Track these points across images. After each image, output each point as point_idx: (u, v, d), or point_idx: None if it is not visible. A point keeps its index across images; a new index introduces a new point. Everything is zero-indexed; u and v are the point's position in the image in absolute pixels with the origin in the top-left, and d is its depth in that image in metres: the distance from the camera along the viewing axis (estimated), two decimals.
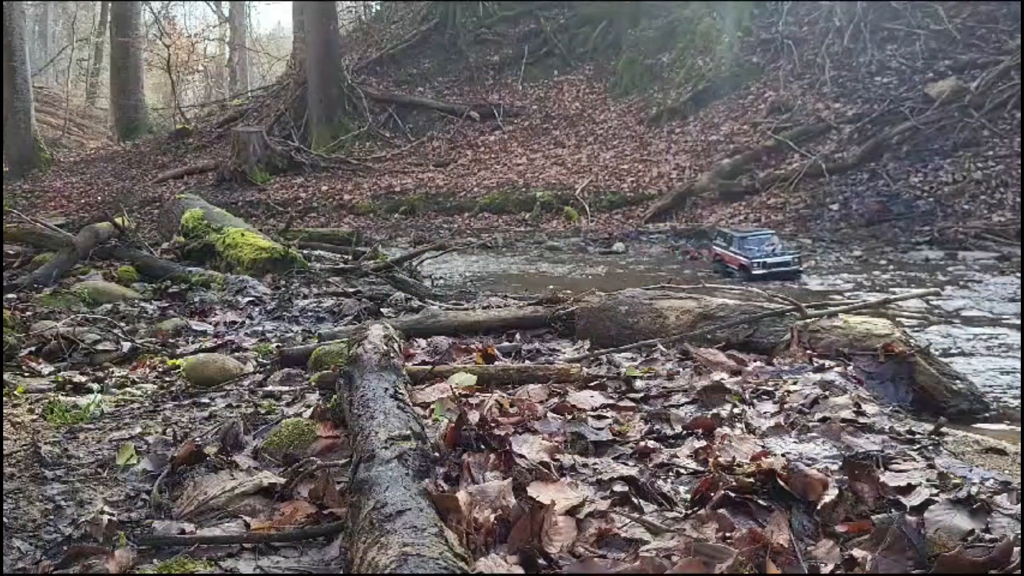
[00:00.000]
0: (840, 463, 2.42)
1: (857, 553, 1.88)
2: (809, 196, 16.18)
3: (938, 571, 1.76)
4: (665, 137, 19.89)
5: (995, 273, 10.01)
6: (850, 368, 3.62)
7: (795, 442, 2.70)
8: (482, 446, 2.51)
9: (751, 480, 2.22)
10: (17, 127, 23.65)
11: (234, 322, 5.38)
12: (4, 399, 3.33)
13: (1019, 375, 4.89)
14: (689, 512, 2.15)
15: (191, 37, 32.93)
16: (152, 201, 19.20)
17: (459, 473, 2.36)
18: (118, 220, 7.82)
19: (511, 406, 3.02)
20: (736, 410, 3.02)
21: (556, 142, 21.07)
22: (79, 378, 3.78)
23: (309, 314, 5.61)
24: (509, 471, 2.34)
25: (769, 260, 9.11)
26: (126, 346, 4.41)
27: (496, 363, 3.81)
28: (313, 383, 3.54)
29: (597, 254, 13.11)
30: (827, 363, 3.63)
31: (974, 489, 2.12)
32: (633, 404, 3.20)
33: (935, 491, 2.19)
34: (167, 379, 3.86)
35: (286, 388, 3.62)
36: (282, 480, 2.45)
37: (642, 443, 2.69)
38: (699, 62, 21.19)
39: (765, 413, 3.02)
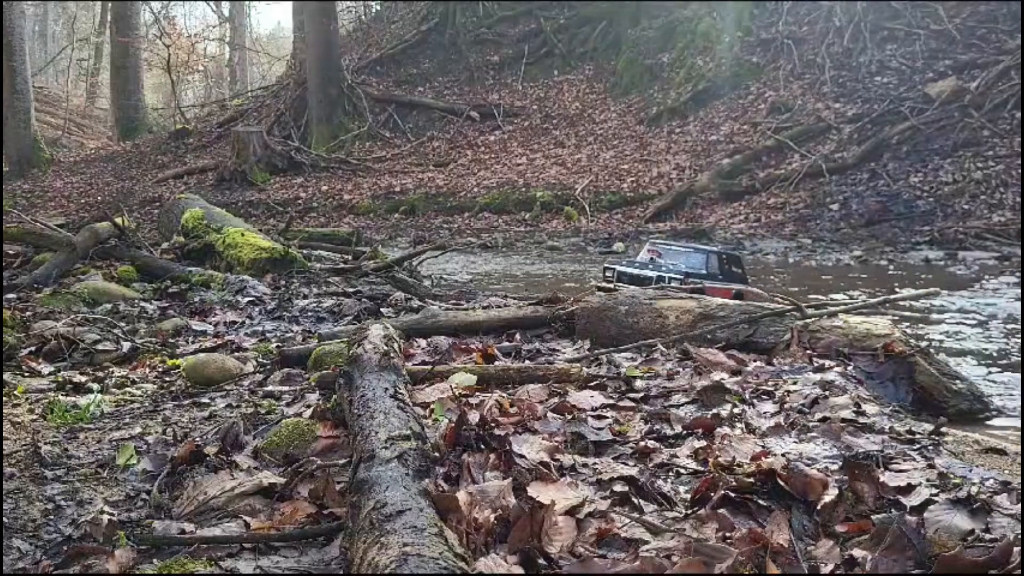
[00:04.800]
0: (840, 463, 2.41)
1: (857, 553, 1.88)
2: (809, 196, 16.20)
3: (938, 571, 1.76)
4: (665, 137, 19.90)
5: (995, 273, 10.01)
6: (850, 368, 3.62)
7: (795, 442, 2.70)
8: (482, 446, 2.51)
9: (751, 480, 2.21)
10: (17, 127, 23.66)
11: (234, 322, 5.37)
12: (4, 399, 3.33)
13: (1019, 375, 4.89)
14: (689, 512, 2.15)
15: (191, 37, 32.93)
16: (152, 201, 19.22)
17: (459, 473, 2.36)
18: (118, 220, 7.81)
19: (511, 406, 3.02)
20: (736, 410, 3.02)
21: (556, 142, 21.08)
22: (79, 378, 3.78)
23: (309, 314, 5.61)
24: (509, 471, 2.34)
25: (627, 270, 7.72)
26: (126, 346, 4.40)
27: (496, 363, 3.80)
28: (313, 383, 3.53)
29: (597, 254, 13.12)
30: (827, 363, 3.63)
31: (974, 489, 2.12)
32: (633, 404, 3.19)
33: (935, 491, 2.19)
34: (167, 379, 3.85)
35: (286, 388, 3.62)
36: (282, 480, 2.45)
37: (642, 443, 2.69)
38: (699, 62, 21.19)
39: (765, 413, 3.02)
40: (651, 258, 7.77)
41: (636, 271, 7.40)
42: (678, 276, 7.26)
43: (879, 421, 2.87)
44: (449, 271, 10.50)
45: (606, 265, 7.92)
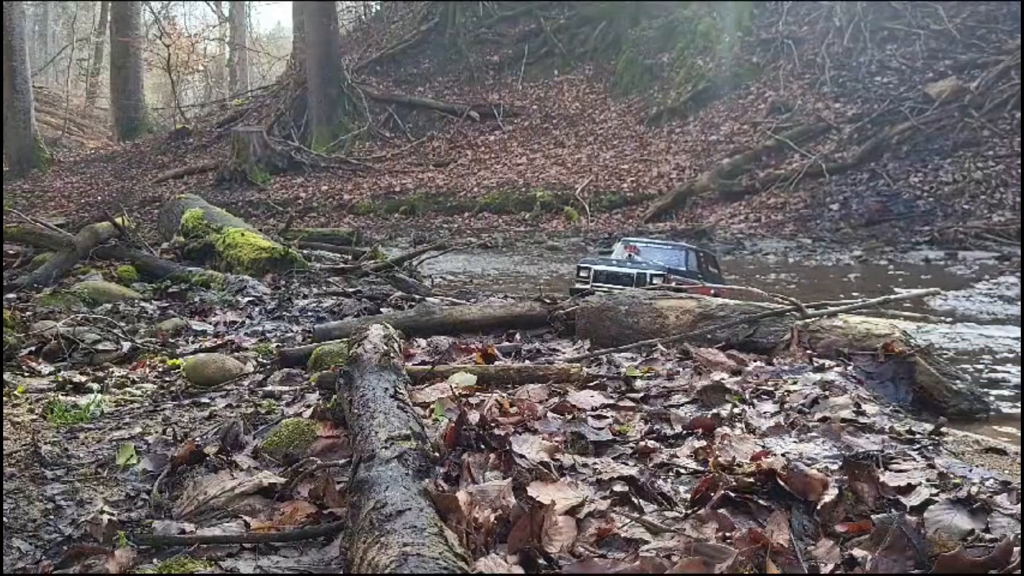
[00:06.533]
0: (840, 463, 2.41)
1: (857, 553, 1.88)
2: (809, 196, 16.20)
3: (938, 571, 1.76)
4: (665, 137, 19.90)
5: (995, 273, 10.01)
6: (850, 368, 3.62)
7: (795, 442, 2.70)
8: (482, 446, 2.51)
9: (751, 480, 2.21)
10: (17, 127, 23.66)
11: (234, 322, 5.37)
12: (4, 399, 3.33)
13: (1019, 375, 4.89)
14: (689, 512, 2.15)
15: (191, 37, 32.92)
16: (152, 201, 19.22)
17: (459, 473, 2.36)
18: (118, 220, 7.82)
19: (511, 406, 3.02)
20: (736, 410, 3.02)
21: (556, 142, 21.08)
22: (79, 378, 3.78)
23: (309, 314, 5.61)
24: (509, 471, 2.34)
25: (605, 268, 7.28)
26: (126, 346, 4.40)
27: (496, 363, 3.80)
28: (313, 383, 3.53)
29: (597, 254, 13.11)
30: (827, 363, 3.63)
31: (974, 489, 2.12)
32: (633, 404, 3.19)
33: (935, 491, 2.18)
34: (167, 379, 3.85)
35: (286, 388, 3.62)
36: (282, 480, 2.45)
37: (642, 443, 2.69)
38: (699, 62, 21.20)
39: (765, 413, 3.02)
40: (628, 255, 7.45)
41: (615, 269, 7.05)
42: (660, 272, 6.97)
43: (879, 421, 2.87)
44: (449, 271, 10.50)
45: (580, 264, 7.46)
